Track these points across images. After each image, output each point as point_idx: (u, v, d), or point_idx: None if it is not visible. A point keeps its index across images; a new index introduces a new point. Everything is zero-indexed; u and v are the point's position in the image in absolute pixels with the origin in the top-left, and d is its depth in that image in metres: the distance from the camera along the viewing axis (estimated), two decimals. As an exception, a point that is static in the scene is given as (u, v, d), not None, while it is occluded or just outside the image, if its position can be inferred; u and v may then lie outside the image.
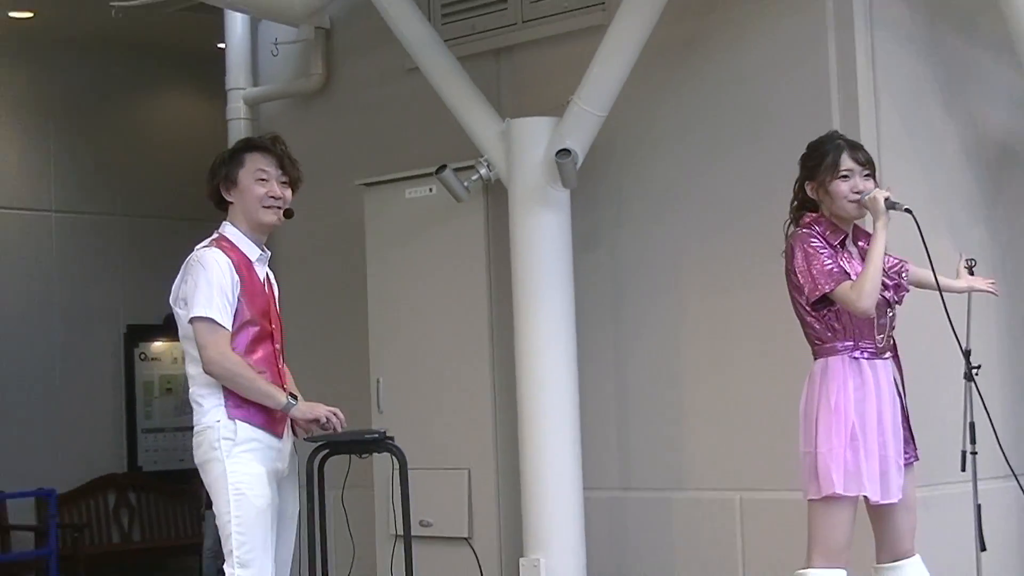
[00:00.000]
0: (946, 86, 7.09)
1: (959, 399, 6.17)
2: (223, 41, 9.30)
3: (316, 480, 5.27)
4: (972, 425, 6.26)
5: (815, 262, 4.80)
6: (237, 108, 9.08)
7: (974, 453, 6.29)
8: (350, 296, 8.31)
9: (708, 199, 7.15)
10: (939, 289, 5.19)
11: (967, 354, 6.35)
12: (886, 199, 4.87)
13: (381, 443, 5.32)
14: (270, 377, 5.03)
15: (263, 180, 5.11)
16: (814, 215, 4.99)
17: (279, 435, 5.02)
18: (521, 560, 7.02)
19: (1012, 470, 6.06)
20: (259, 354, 5.02)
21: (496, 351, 7.48)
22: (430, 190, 7.72)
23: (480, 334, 7.53)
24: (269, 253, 5.22)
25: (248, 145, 5.22)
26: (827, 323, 4.88)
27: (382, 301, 7.97)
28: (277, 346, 5.12)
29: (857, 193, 4.89)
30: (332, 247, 8.64)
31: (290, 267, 8.87)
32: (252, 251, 5.11)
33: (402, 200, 7.88)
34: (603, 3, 7.47)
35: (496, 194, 7.46)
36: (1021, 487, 6.02)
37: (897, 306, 5.12)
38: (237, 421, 4.91)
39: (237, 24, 9.14)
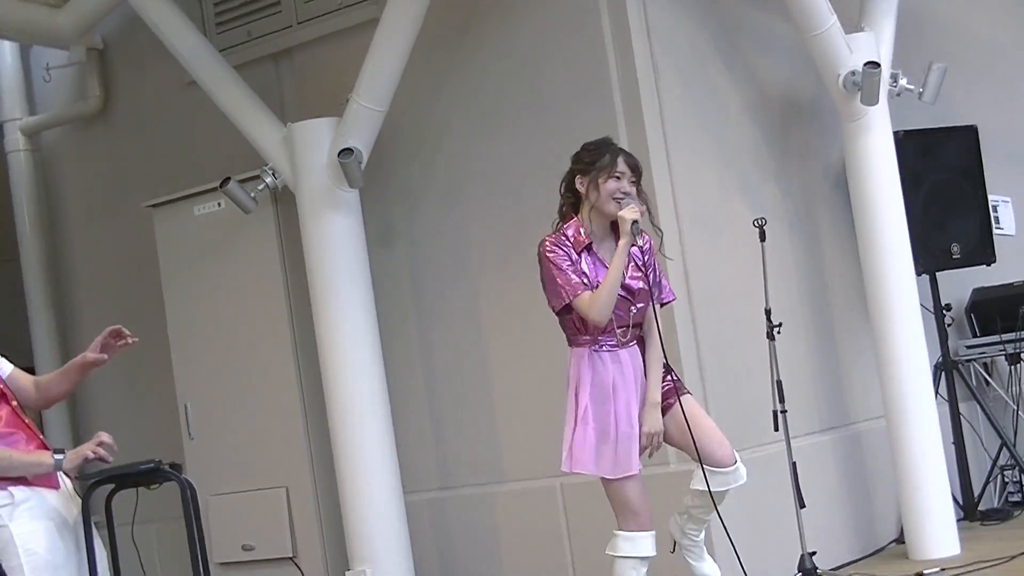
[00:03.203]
0: (724, 47, 7.09)
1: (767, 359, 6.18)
2: (-7, 71, 8.95)
3: (106, 515, 5.11)
4: (779, 383, 6.28)
5: (559, 275, 5.08)
6: (16, 140, 8.75)
7: (783, 411, 6.30)
8: (150, 322, 7.99)
9: (497, 184, 7.05)
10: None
11: (767, 313, 6.37)
12: (634, 222, 5.02)
13: (159, 472, 5.08)
14: (23, 435, 4.87)
15: None
16: (572, 220, 5.18)
17: (55, 486, 4.88)
18: (347, 573, 6.85)
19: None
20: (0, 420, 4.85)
21: (301, 362, 7.29)
22: (219, 204, 7.50)
23: (283, 346, 7.33)
24: None
25: None
26: (570, 324, 5.18)
27: (182, 324, 7.72)
28: (13, 403, 4.94)
29: (623, 194, 5.10)
30: (127, 274, 8.36)
31: (86, 299, 8.61)
32: None
33: (192, 218, 7.64)
34: (375, -4, 7.32)
35: (286, 201, 7.26)
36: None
37: (639, 305, 5.17)
38: (8, 487, 4.75)
39: (5, 52, 8.80)
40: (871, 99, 6.79)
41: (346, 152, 6.71)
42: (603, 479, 5.08)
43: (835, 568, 6.66)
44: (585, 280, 5.07)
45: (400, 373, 7.18)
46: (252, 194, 7.11)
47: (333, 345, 6.86)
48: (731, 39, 7.15)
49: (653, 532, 5.09)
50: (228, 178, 7.09)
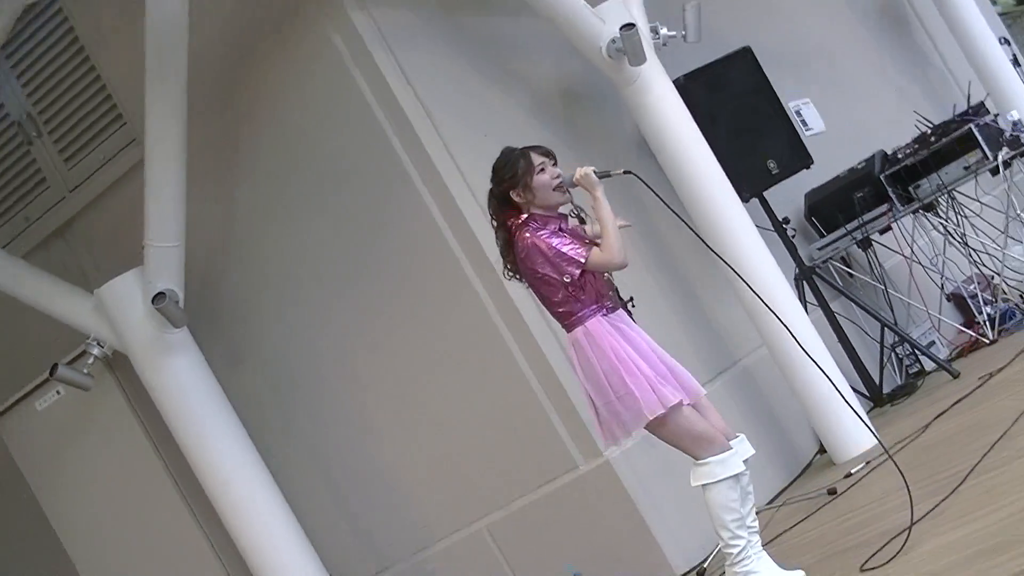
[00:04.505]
0: (487, 65, 7.06)
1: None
2: None
3: None
4: (654, 351, 6.24)
5: (560, 246, 5.08)
6: None
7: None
8: (36, 531, 7.79)
9: (323, 266, 6.95)
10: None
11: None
12: (595, 171, 5.20)
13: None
14: None
15: None
16: (523, 215, 5.18)
17: None
18: None
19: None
20: None
21: (196, 511, 7.11)
22: (58, 392, 7.32)
23: (172, 502, 7.15)
24: None
25: None
26: (575, 296, 5.13)
27: (67, 520, 7.52)
28: None
29: (557, 179, 5.19)
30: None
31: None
32: None
33: (36, 414, 7.44)
34: (135, 139, 7.17)
35: (122, 364, 7.08)
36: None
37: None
38: None
39: None
40: (638, 59, 6.80)
41: (159, 297, 6.57)
42: (652, 427, 5.00)
43: (770, 501, 6.64)
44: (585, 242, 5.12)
45: (294, 477, 7.06)
46: (85, 370, 6.93)
47: (217, 483, 6.70)
48: (491, 55, 7.11)
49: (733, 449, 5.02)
50: (56, 364, 6.91)
